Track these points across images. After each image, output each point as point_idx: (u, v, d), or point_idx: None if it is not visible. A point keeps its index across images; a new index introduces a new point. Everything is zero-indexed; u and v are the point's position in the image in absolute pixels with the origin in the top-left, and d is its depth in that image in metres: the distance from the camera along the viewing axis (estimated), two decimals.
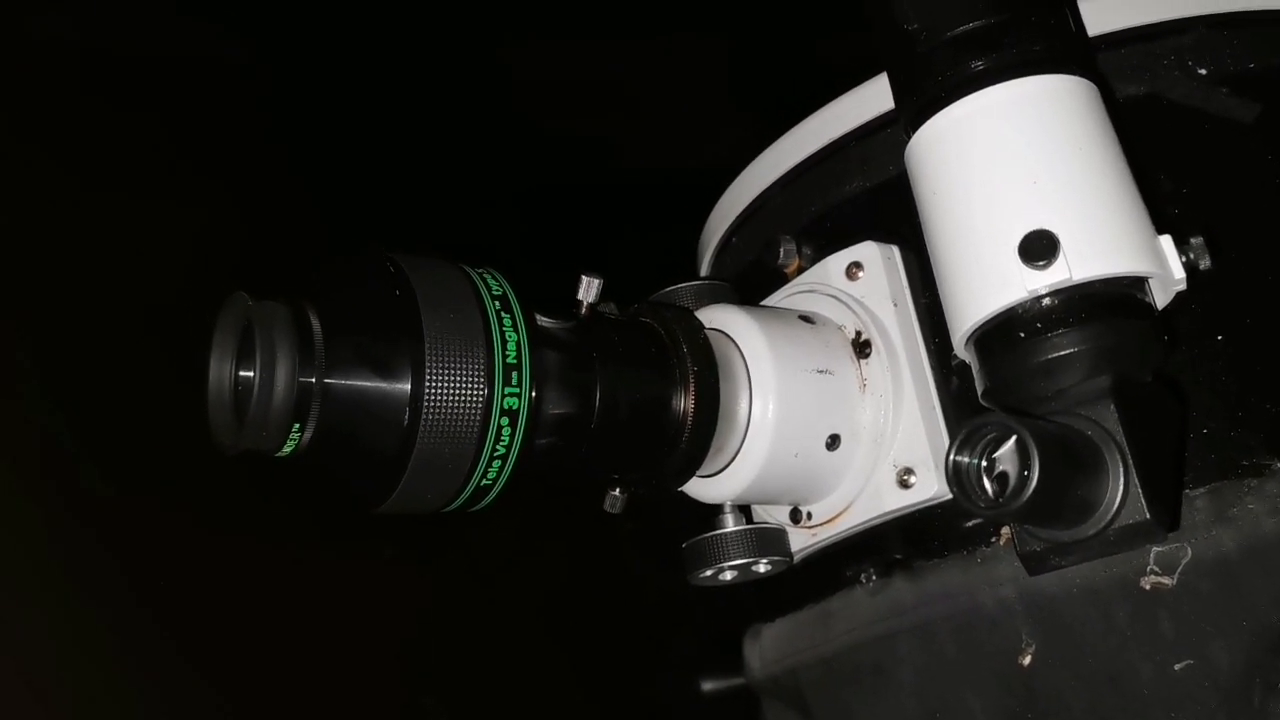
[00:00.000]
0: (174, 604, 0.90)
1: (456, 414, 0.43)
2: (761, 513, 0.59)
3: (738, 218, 0.67)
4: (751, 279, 0.63)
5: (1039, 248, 0.42)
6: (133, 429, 0.90)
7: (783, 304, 0.58)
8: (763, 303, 0.60)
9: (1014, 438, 0.39)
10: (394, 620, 1.04)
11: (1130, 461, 0.40)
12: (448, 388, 0.43)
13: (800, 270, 0.59)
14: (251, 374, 0.41)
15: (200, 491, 0.88)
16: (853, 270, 0.56)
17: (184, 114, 1.04)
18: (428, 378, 0.42)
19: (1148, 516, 0.40)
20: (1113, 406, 0.41)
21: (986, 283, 0.44)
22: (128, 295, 0.94)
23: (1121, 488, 0.40)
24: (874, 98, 0.58)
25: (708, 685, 0.74)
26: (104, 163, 0.97)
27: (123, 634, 0.88)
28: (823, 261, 0.57)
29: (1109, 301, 0.43)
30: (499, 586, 1.12)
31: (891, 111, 0.56)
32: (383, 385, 0.42)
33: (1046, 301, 0.43)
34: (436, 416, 0.43)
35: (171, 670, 0.89)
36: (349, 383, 0.42)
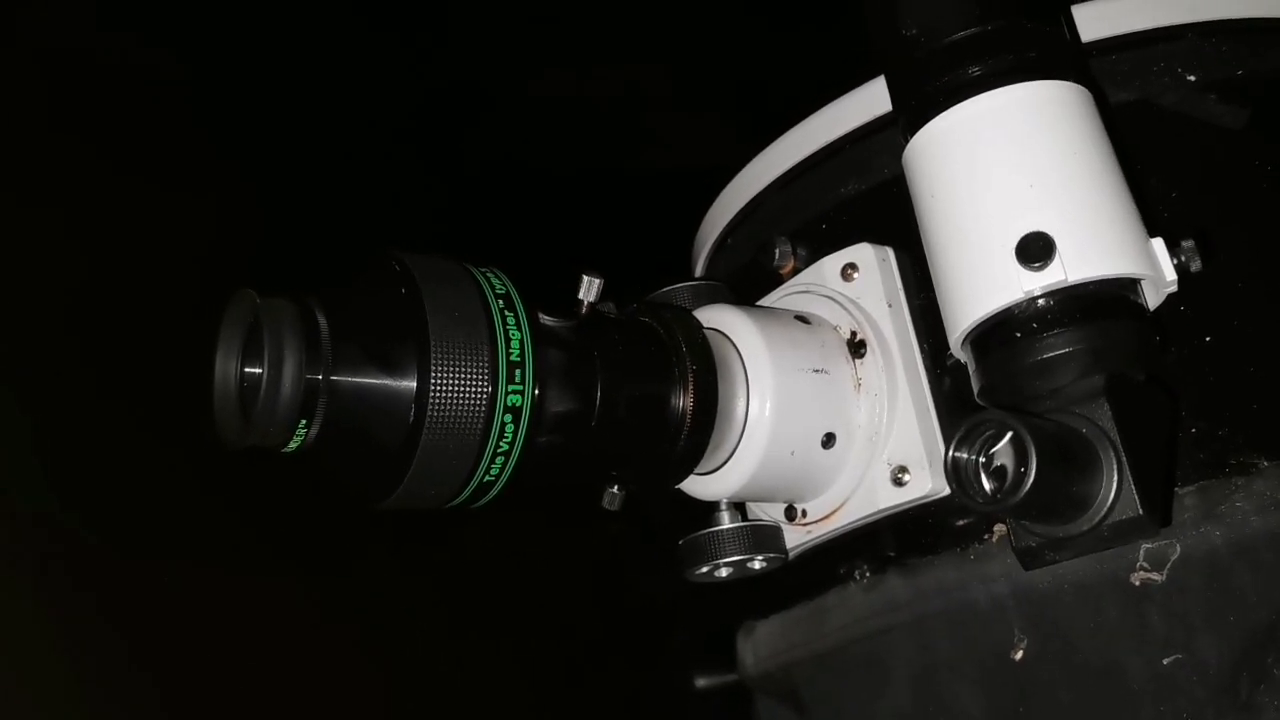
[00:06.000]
0: (173, 599, 0.90)
1: (461, 411, 0.43)
2: (757, 510, 0.59)
3: (734, 219, 0.68)
4: (746, 280, 0.64)
5: (1035, 249, 0.43)
6: (138, 422, 0.90)
7: (778, 305, 0.59)
8: (758, 303, 0.61)
9: (1011, 435, 0.40)
10: (388, 618, 1.04)
11: (1124, 459, 0.41)
12: (452, 385, 0.43)
13: (795, 271, 0.60)
14: (258, 370, 0.41)
15: (203, 486, 0.88)
16: (848, 271, 0.57)
17: (190, 112, 1.04)
18: (433, 375, 0.43)
19: (1140, 512, 0.41)
20: (1107, 405, 0.42)
21: (983, 284, 0.44)
22: (135, 291, 0.94)
23: (1115, 484, 0.41)
24: (869, 101, 0.58)
25: (701, 681, 0.75)
26: (112, 160, 0.97)
27: (122, 629, 0.88)
28: (818, 263, 0.58)
29: (1103, 302, 0.43)
30: (494, 584, 1.12)
31: (886, 114, 0.57)
32: (388, 382, 0.43)
33: (1042, 302, 0.44)
34: (441, 413, 0.43)
35: (172, 665, 0.90)
36: (355, 380, 0.43)
